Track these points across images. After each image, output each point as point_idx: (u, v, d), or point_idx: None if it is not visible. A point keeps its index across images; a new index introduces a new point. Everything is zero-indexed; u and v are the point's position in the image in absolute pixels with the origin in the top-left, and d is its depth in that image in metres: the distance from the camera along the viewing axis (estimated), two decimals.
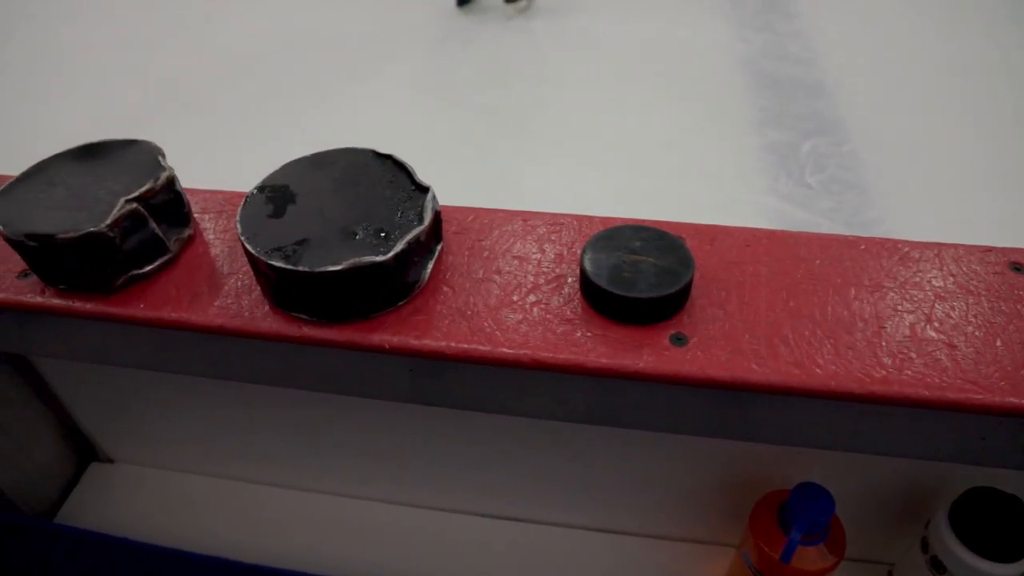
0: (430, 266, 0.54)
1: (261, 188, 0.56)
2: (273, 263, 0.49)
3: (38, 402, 0.90)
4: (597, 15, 3.17)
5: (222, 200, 0.65)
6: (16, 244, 0.53)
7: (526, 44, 3.04)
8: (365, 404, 0.76)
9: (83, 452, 0.99)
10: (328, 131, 2.52)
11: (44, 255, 0.53)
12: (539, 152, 2.41)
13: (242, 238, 0.51)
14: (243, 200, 0.54)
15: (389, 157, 0.58)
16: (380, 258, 0.49)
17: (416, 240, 0.51)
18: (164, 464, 0.98)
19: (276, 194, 0.55)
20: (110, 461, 0.99)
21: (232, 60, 3.01)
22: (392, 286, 0.52)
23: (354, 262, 0.48)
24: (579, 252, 0.56)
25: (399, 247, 0.50)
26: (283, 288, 0.51)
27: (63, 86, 2.93)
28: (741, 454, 0.75)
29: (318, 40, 3.14)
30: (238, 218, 0.53)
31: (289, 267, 0.48)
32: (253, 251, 0.50)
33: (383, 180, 0.56)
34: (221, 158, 1.84)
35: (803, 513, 0.67)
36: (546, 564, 0.86)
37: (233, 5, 3.43)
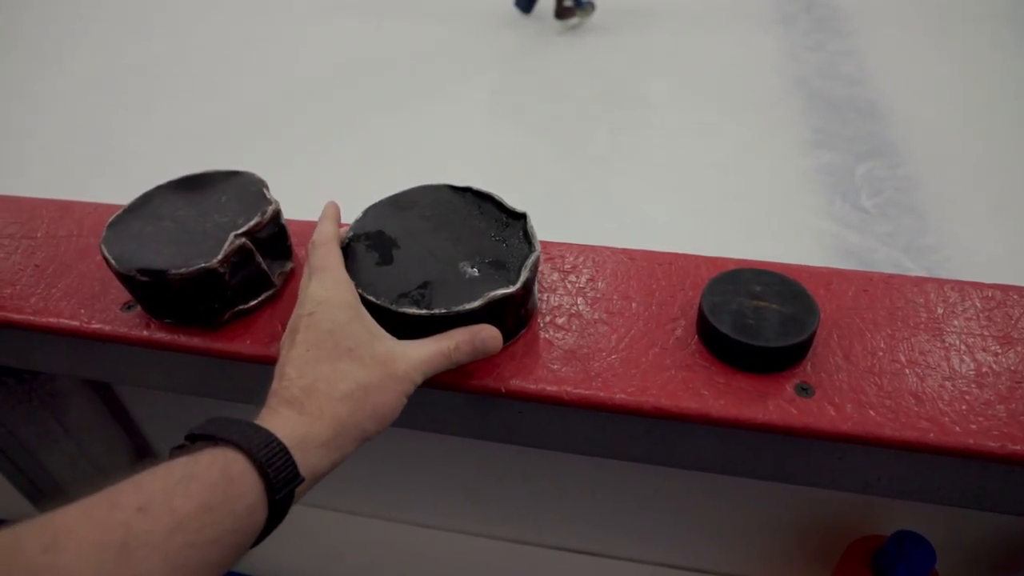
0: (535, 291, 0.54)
1: (356, 237, 0.54)
2: (405, 310, 0.48)
3: (115, 425, 0.90)
4: (648, 34, 3.16)
5: None
6: (126, 278, 0.53)
7: (577, 62, 3.04)
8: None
9: None
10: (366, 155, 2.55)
11: (153, 290, 0.53)
12: (590, 171, 2.40)
13: (359, 290, 0.49)
14: (343, 252, 0.52)
15: (468, 189, 0.57)
16: (510, 289, 0.48)
17: (535, 266, 0.50)
18: None
19: (374, 241, 0.54)
20: None
21: (297, 82, 3.06)
22: (519, 316, 0.51)
23: (490, 297, 0.47)
24: (690, 292, 0.54)
25: (524, 276, 0.49)
26: (416, 333, 0.48)
27: (134, 107, 3.00)
28: (831, 497, 0.73)
29: (360, 69, 3.18)
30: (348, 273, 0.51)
31: (424, 312, 0.47)
32: (378, 302, 0.48)
33: (471, 213, 0.55)
34: (292, 176, 1.85)
35: (904, 565, 0.64)
36: None
37: (292, 29, 3.49)
